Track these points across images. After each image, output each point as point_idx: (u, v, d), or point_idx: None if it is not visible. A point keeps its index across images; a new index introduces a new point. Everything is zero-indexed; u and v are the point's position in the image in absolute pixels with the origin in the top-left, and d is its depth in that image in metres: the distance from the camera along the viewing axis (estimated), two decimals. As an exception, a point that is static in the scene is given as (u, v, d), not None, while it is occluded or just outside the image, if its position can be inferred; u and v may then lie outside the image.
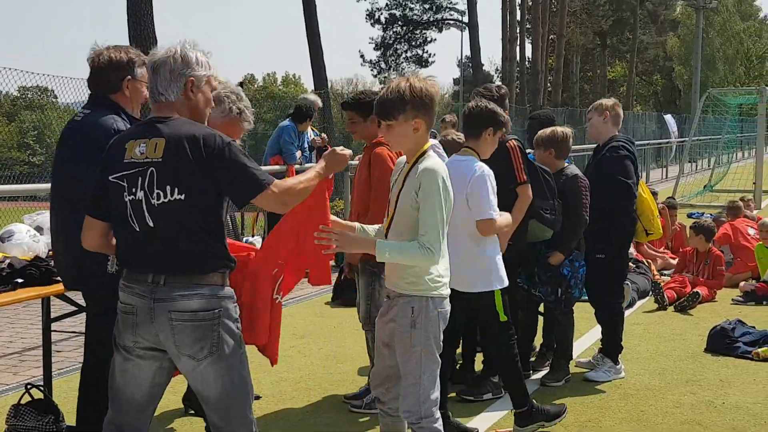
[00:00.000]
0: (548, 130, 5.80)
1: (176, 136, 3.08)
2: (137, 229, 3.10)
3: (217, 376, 3.13)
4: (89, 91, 4.03)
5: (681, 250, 9.55)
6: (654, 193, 10.91)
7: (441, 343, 3.59)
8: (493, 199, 4.50)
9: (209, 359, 3.11)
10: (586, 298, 6.04)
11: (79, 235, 3.33)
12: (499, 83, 5.77)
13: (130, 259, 3.17)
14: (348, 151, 3.51)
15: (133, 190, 3.09)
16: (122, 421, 3.26)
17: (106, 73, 3.90)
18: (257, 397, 5.24)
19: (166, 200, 3.05)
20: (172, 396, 5.04)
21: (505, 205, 5.16)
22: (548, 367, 5.99)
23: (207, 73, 3.25)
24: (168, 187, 3.05)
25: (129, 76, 3.91)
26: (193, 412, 5.08)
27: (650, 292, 8.65)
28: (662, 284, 8.56)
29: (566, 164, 5.84)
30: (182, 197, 3.05)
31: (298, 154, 9.45)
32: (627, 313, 8.03)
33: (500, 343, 4.77)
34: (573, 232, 5.57)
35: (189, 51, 3.22)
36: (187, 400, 5.21)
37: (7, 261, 4.85)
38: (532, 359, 6.16)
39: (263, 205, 3.17)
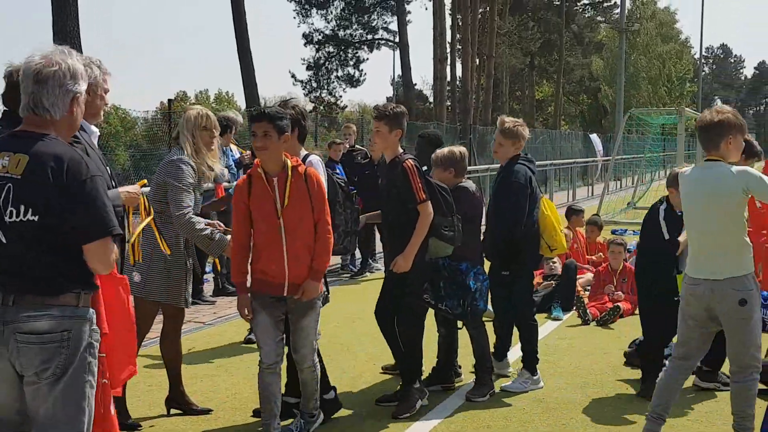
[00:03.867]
0: (446, 150, 5.97)
1: (41, 156, 2.97)
2: None
3: (49, 397, 3.01)
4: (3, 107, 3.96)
5: (595, 270, 9.77)
6: (580, 211, 11.20)
7: None
8: None
9: (51, 380, 3.00)
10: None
11: None
12: (396, 103, 5.77)
13: None
14: None
15: None
16: None
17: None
18: (208, 411, 5.47)
19: (17, 219, 2.96)
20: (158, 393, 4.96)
21: (405, 223, 5.27)
22: (472, 382, 6.09)
23: (86, 86, 3.16)
24: (22, 207, 2.96)
25: None
26: (183, 411, 5.44)
27: (573, 307, 8.84)
28: (584, 300, 8.76)
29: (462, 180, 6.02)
30: (35, 219, 2.96)
31: (225, 171, 9.31)
32: (553, 327, 8.23)
33: None
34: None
35: (76, 63, 3.10)
36: (172, 401, 5.47)
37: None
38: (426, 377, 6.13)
39: (89, 253, 3.01)
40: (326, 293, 5.15)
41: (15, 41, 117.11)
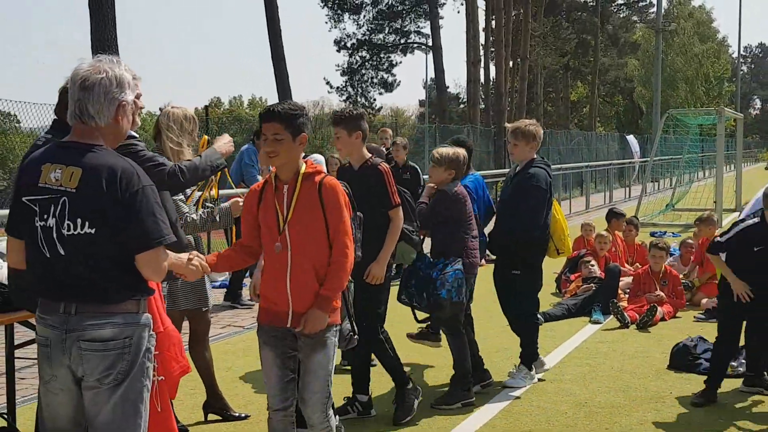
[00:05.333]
0: (450, 151, 5.82)
1: (95, 168, 3.00)
2: (48, 256, 3.04)
3: (109, 402, 3.05)
4: (54, 117, 4.06)
5: (633, 272, 9.65)
6: (621, 215, 11.08)
7: None
8: None
9: (111, 385, 3.05)
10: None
11: None
12: (354, 105, 5.61)
13: (42, 287, 3.11)
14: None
15: (45, 216, 3.03)
16: None
17: None
18: (246, 417, 5.43)
19: (75, 232, 2.99)
20: (200, 397, 5.00)
21: (382, 225, 5.17)
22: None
23: (134, 97, 3.17)
24: (79, 220, 2.99)
25: None
26: (221, 417, 5.45)
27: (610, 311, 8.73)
28: (620, 303, 8.65)
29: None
30: (92, 231, 2.99)
31: (261, 177, 9.34)
32: (592, 331, 8.15)
33: None
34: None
35: (124, 72, 3.10)
36: (210, 406, 5.48)
37: (-30, 288, 4.79)
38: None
39: (141, 262, 3.05)
40: (350, 333, 4.49)
41: (53, 48, 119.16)
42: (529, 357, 6.29)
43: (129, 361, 3.06)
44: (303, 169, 3.94)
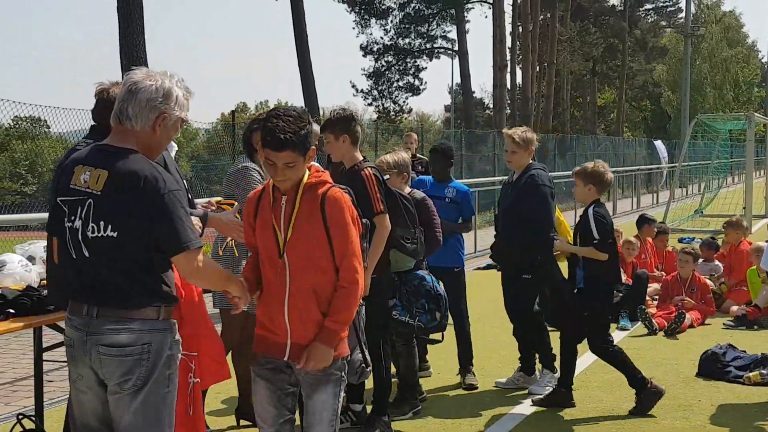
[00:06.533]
0: (397, 157, 5.79)
1: (120, 172, 3.02)
2: (74, 257, 3.08)
3: (131, 407, 3.07)
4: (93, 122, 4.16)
5: (663, 279, 9.55)
6: (652, 221, 10.98)
7: None
8: None
9: (131, 390, 3.06)
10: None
11: None
12: (345, 107, 5.52)
13: (70, 288, 3.15)
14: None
15: (72, 218, 3.07)
16: None
17: (110, 108, 3.91)
18: None
19: (98, 235, 3.02)
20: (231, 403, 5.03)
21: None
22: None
23: (181, 115, 3.16)
24: (102, 223, 3.01)
25: None
26: (249, 423, 5.30)
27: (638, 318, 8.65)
28: (648, 310, 8.57)
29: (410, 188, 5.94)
30: (114, 234, 3.00)
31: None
32: (619, 337, 8.08)
33: None
34: (431, 251, 5.71)
35: (175, 87, 3.12)
36: (242, 413, 5.41)
37: (-1, 291, 4.84)
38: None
39: (176, 265, 3.08)
40: (362, 364, 4.03)
41: (82, 55, 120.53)
42: (548, 358, 6.27)
43: (148, 367, 3.06)
44: (306, 178, 3.42)
